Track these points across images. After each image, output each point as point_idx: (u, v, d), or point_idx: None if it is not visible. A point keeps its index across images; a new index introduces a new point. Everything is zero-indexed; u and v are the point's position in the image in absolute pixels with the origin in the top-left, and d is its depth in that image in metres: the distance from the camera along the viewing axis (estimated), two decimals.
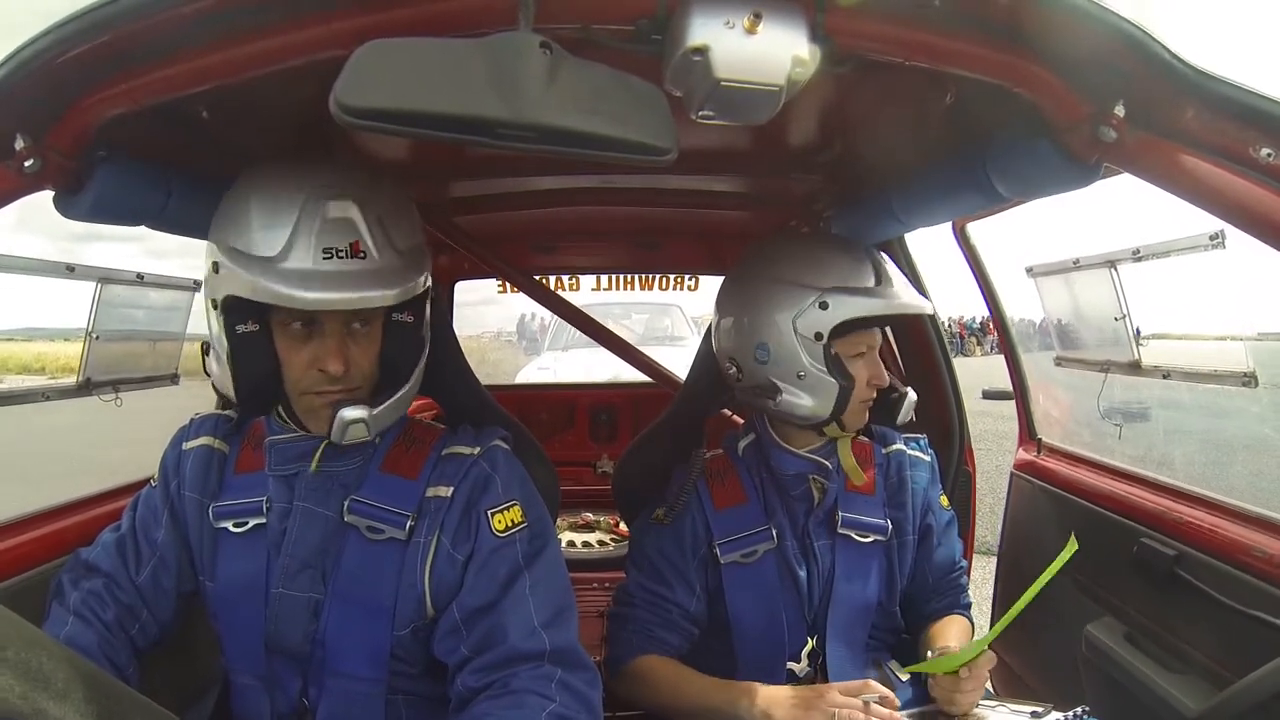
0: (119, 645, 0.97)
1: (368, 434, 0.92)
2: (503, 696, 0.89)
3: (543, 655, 0.92)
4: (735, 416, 2.00)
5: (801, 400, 1.17)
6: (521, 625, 0.93)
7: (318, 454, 0.98)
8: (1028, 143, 0.89)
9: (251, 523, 0.99)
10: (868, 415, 1.22)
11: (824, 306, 1.13)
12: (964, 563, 1.37)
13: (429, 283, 0.97)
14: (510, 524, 0.98)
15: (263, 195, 0.88)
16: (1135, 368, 1.65)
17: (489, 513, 0.98)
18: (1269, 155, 0.71)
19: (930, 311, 1.23)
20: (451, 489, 0.98)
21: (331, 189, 0.87)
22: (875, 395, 1.21)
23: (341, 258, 0.86)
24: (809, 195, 1.67)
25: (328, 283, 0.84)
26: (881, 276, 1.18)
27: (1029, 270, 1.86)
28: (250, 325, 0.90)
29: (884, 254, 1.24)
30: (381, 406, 0.93)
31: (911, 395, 1.25)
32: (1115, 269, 1.61)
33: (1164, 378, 1.64)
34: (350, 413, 0.90)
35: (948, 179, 1.17)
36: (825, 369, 1.15)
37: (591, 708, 0.93)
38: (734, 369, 1.25)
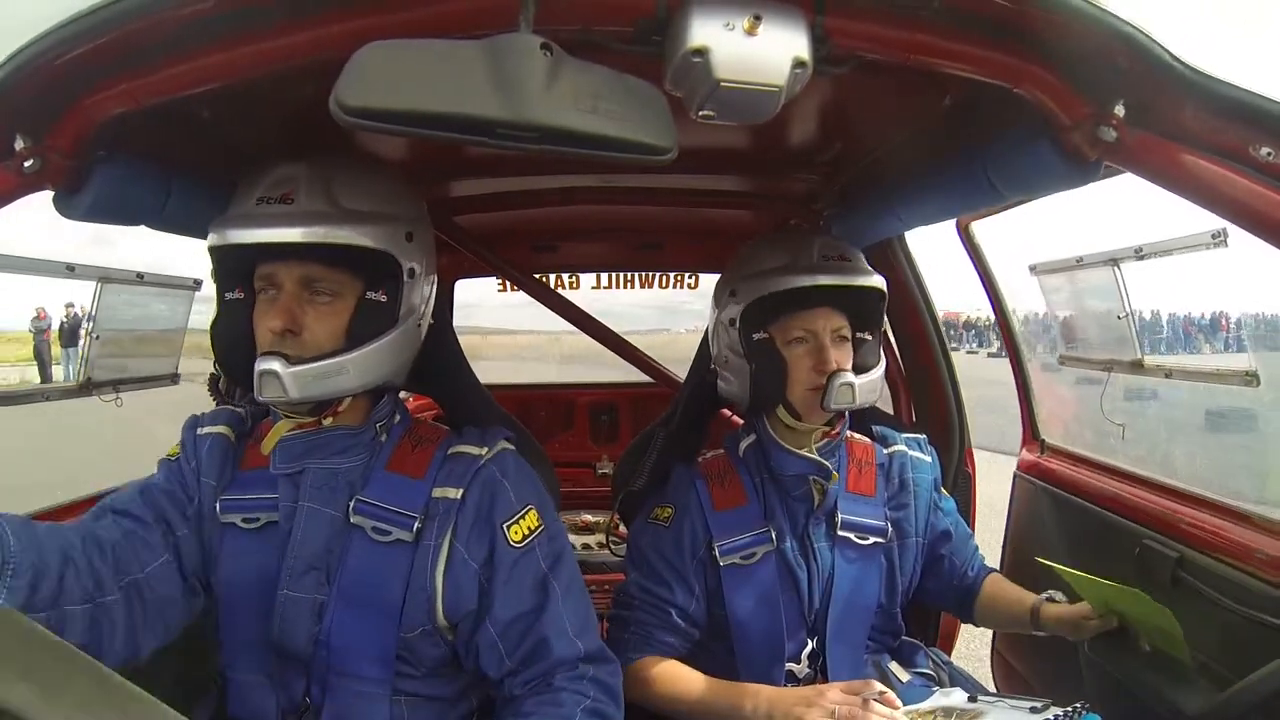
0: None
1: (282, 391, 0.88)
2: (543, 694, 0.96)
3: (579, 659, 0.98)
4: (735, 417, 2.00)
5: (729, 386, 1.27)
6: (561, 637, 0.98)
7: (273, 432, 0.97)
8: (1027, 142, 0.89)
9: (264, 519, 0.98)
10: (823, 408, 1.19)
11: (734, 294, 1.21)
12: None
13: (410, 264, 0.95)
14: (527, 531, 0.99)
15: (253, 167, 0.96)
16: (1138, 366, 1.65)
17: (505, 526, 0.98)
18: (1269, 154, 0.71)
19: (866, 284, 1.18)
20: (461, 490, 0.98)
21: (294, 155, 0.93)
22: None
23: (270, 203, 0.90)
24: (809, 194, 1.67)
25: (246, 222, 0.89)
26: (799, 257, 1.18)
27: (1032, 268, 1.85)
28: (237, 293, 0.95)
29: (843, 240, 1.28)
30: (302, 366, 0.89)
31: (842, 378, 1.15)
32: (1118, 267, 1.61)
33: (1166, 376, 1.64)
34: (264, 363, 0.89)
35: (948, 178, 1.17)
36: (741, 353, 1.20)
37: (616, 697, 0.99)
38: (713, 365, 1.34)
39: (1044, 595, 1.25)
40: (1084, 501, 1.54)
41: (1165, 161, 0.77)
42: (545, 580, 0.99)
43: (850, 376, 1.17)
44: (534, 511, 1.01)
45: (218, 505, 0.99)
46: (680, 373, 2.43)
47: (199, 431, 1.04)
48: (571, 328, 2.40)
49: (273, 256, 0.92)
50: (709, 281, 2.59)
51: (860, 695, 1.01)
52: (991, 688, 1.19)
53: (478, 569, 0.97)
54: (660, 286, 2.67)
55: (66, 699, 0.34)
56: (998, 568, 1.40)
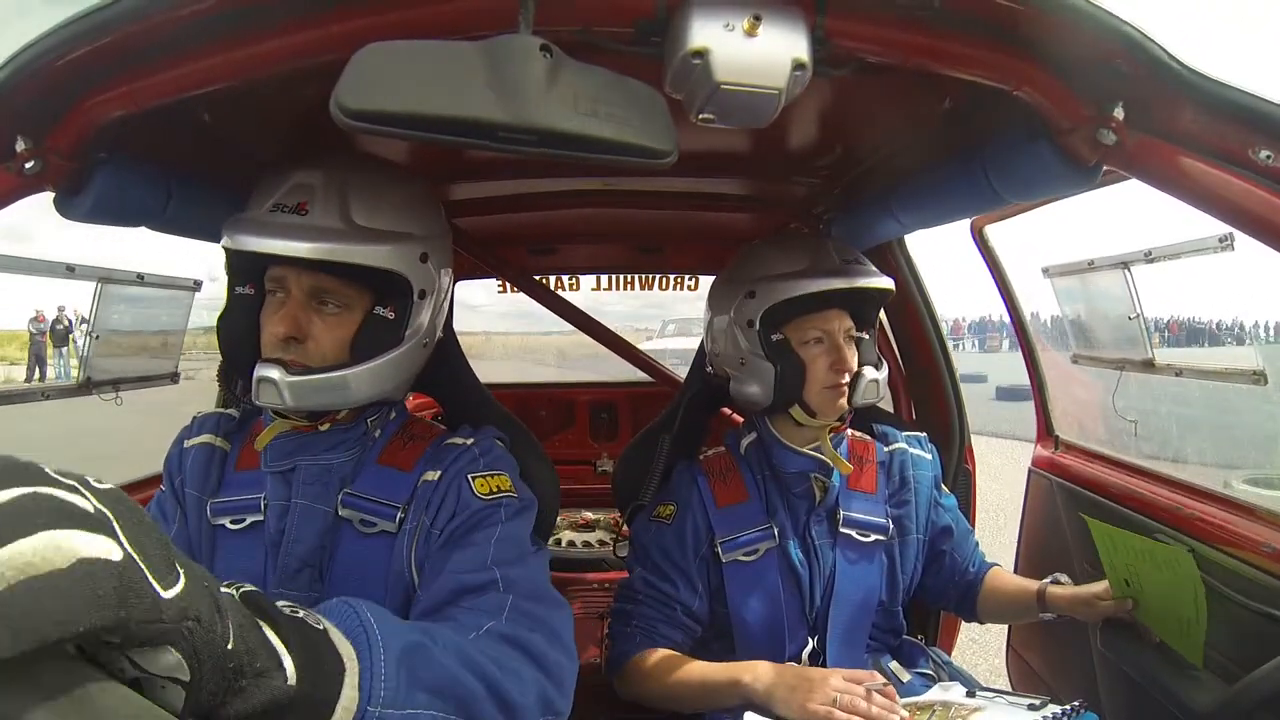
0: None
1: (279, 399, 0.89)
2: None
3: (493, 584, 0.84)
4: (735, 415, 2.00)
5: (747, 387, 1.26)
6: (470, 561, 0.87)
7: (269, 430, 0.97)
8: (1027, 145, 0.89)
9: (249, 519, 0.98)
10: (843, 402, 1.22)
11: (751, 295, 1.22)
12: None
13: (421, 285, 0.94)
14: (495, 489, 0.96)
15: (271, 169, 0.96)
16: (1149, 365, 1.68)
17: (470, 477, 0.96)
18: (1268, 157, 0.71)
19: (884, 286, 1.23)
20: (439, 472, 0.98)
21: (312, 161, 0.92)
22: (846, 381, 1.21)
23: (285, 212, 0.89)
24: (809, 197, 1.67)
25: (258, 229, 0.88)
26: (819, 261, 1.22)
27: (1045, 271, 1.88)
28: (246, 288, 0.95)
29: (846, 243, 1.30)
30: (301, 377, 0.89)
31: (868, 375, 1.24)
32: (1129, 270, 1.64)
33: (1176, 375, 1.67)
34: (263, 370, 0.89)
35: (948, 181, 1.17)
36: (763, 354, 1.21)
37: (553, 633, 0.83)
38: (709, 366, 1.35)
39: (1049, 579, 1.26)
40: (1097, 496, 1.56)
41: (1165, 164, 0.77)
42: (492, 529, 0.92)
43: (874, 373, 1.25)
44: (506, 477, 0.98)
45: (208, 509, 1.00)
46: (609, 371, 2.45)
47: (185, 444, 1.05)
48: (504, 329, 2.40)
49: (286, 262, 0.91)
50: (706, 283, 2.59)
51: (862, 685, 1.01)
52: (990, 688, 1.19)
53: (439, 534, 0.94)
54: (660, 289, 2.67)
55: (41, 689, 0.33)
56: (997, 563, 1.40)
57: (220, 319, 0.97)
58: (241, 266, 0.96)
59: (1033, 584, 1.27)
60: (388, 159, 1.21)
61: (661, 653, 1.18)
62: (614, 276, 2.64)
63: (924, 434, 1.42)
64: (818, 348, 1.21)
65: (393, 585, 0.95)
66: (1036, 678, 1.75)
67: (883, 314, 1.78)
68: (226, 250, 0.92)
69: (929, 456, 1.37)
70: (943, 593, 1.38)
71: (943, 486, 1.39)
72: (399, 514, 0.96)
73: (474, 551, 0.89)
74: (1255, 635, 1.09)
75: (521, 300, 2.49)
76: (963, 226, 1.80)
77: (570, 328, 2.47)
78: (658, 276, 2.65)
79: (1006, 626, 1.91)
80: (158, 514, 1.04)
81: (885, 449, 1.35)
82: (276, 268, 0.93)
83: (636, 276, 2.65)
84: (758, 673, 1.08)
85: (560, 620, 0.86)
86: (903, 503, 1.31)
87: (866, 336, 1.28)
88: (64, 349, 14.52)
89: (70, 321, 14.69)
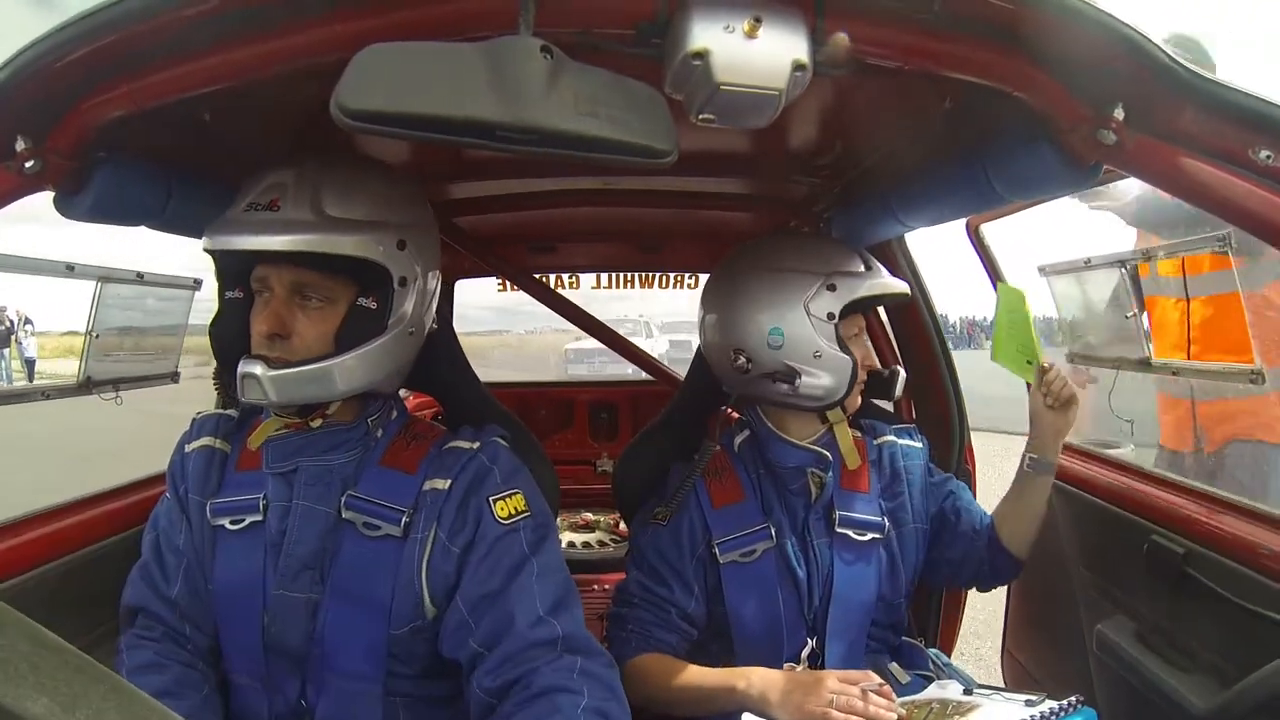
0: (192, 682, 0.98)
1: (262, 394, 0.90)
2: (533, 702, 0.87)
3: (556, 642, 0.91)
4: (735, 414, 2.00)
5: (820, 380, 1.21)
6: (528, 613, 0.92)
7: (261, 429, 0.99)
8: (1027, 145, 0.89)
9: (248, 520, 0.99)
10: (860, 400, 1.29)
11: (832, 289, 1.21)
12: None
13: (400, 273, 0.94)
14: (514, 511, 0.98)
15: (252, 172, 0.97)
16: (1146, 364, 1.67)
17: (491, 500, 0.98)
18: (1268, 157, 0.71)
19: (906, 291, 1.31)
20: (449, 481, 0.98)
21: (287, 160, 0.94)
22: (866, 378, 1.28)
23: (258, 210, 0.91)
24: (809, 196, 1.67)
25: (234, 228, 0.90)
26: (869, 263, 1.27)
27: (1041, 269, 1.87)
28: (237, 292, 0.98)
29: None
30: (283, 370, 0.90)
31: (903, 371, 1.34)
32: (1126, 268, 1.63)
33: (1173, 375, 1.66)
34: (246, 366, 0.90)
35: (948, 180, 1.17)
36: (838, 347, 1.21)
37: (618, 693, 0.92)
38: (743, 359, 1.24)
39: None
40: (1092, 497, 1.55)
41: (1164, 164, 0.77)
42: (524, 561, 0.95)
43: (902, 370, 1.33)
44: (521, 495, 1.00)
45: (208, 510, 1.00)
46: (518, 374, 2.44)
47: (186, 450, 1.06)
48: None
49: (265, 260, 0.93)
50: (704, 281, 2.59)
51: (858, 685, 1.02)
52: (987, 685, 1.19)
53: (459, 554, 0.96)
54: (660, 287, 2.68)
55: (81, 711, 0.33)
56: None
57: (212, 324, 0.98)
58: (229, 270, 0.97)
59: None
60: (370, 155, 1.22)
61: (657, 657, 1.18)
62: (613, 276, 2.65)
63: (913, 425, 1.43)
64: (855, 343, 1.25)
65: (401, 593, 0.95)
66: (1032, 681, 1.74)
67: (883, 312, 1.79)
68: (210, 253, 0.94)
69: (918, 445, 1.37)
70: (968, 555, 1.32)
71: (934, 469, 1.39)
72: (404, 518, 0.96)
73: (526, 601, 0.93)
74: (1253, 638, 1.09)
75: (461, 304, 2.49)
76: None
77: (490, 330, 2.47)
78: (658, 275, 2.66)
79: (1002, 630, 1.90)
80: (165, 522, 1.04)
81: (875, 443, 1.35)
82: (259, 267, 0.94)
83: (637, 275, 2.66)
84: (752, 679, 1.08)
85: (615, 673, 0.95)
86: (896, 495, 1.31)
87: None
88: (6, 350, 14.23)
89: (13, 322, 14.42)
